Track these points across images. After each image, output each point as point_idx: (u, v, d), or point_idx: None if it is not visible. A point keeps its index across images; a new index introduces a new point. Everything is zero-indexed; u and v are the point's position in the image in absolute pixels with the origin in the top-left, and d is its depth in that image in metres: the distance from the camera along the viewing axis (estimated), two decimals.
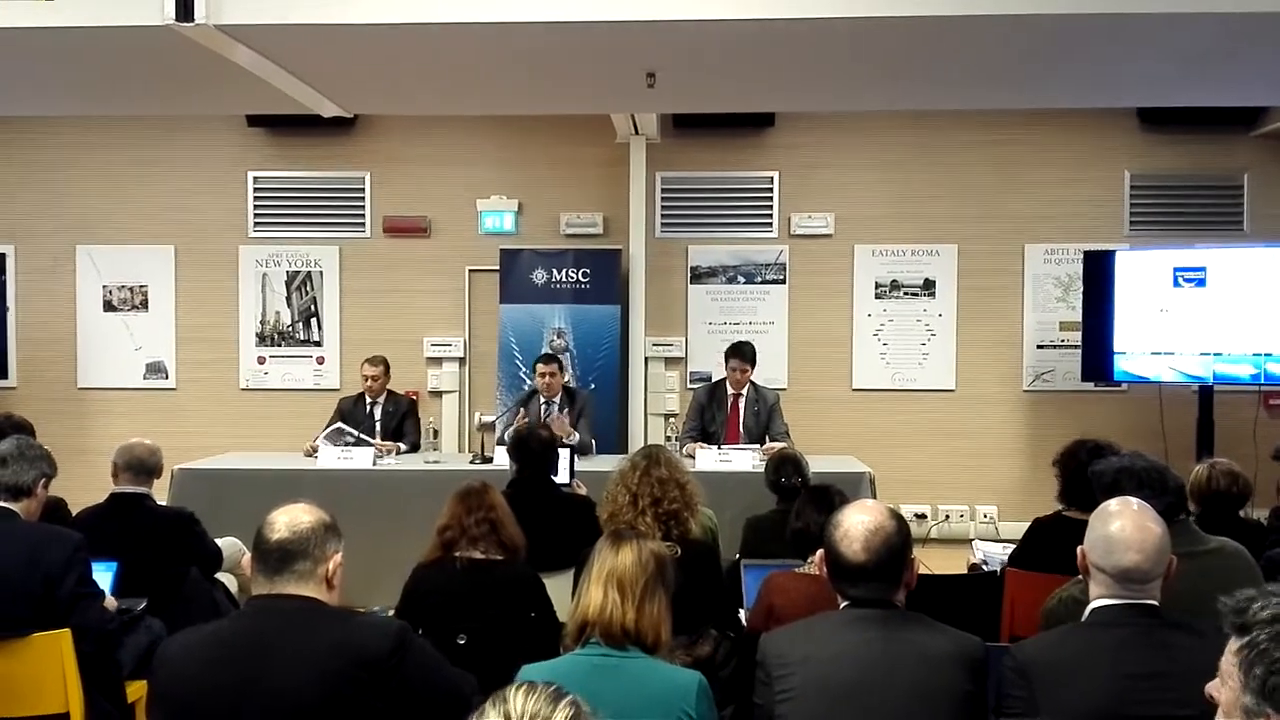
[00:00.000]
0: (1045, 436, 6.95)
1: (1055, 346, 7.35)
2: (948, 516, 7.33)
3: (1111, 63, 4.95)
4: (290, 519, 2.17)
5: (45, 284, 7.63)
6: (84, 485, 4.55)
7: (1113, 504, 2.20)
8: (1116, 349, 6.72)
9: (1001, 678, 2.12)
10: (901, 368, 7.43)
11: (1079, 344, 7.03)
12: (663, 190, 7.46)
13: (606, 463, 5.04)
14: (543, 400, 6.15)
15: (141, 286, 7.64)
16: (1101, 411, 7.16)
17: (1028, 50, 4.69)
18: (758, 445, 5.91)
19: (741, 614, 3.52)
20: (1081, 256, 6.99)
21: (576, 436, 5.77)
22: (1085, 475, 3.59)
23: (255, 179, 7.60)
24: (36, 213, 7.64)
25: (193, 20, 4.05)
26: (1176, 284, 6.59)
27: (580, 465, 5.21)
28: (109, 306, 7.64)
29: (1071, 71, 5.11)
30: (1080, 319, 6.99)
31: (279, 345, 7.63)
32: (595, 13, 4.09)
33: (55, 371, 7.61)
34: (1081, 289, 6.98)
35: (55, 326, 7.62)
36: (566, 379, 6.54)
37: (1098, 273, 6.79)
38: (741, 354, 6.18)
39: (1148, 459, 2.99)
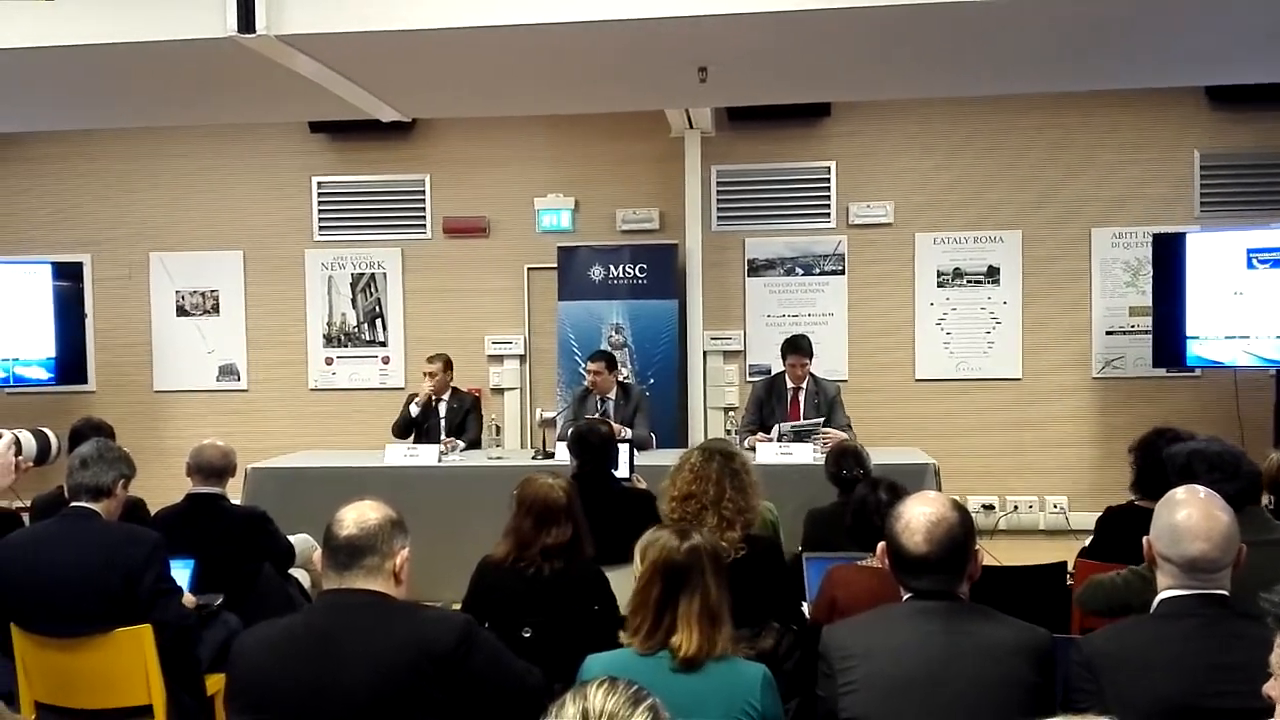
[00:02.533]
0: (1116, 424, 6.81)
1: (1125, 332, 7.18)
2: (1016, 507, 7.21)
3: (1176, 40, 4.82)
4: (358, 516, 2.23)
5: (121, 291, 7.88)
6: (162, 485, 4.70)
7: (1179, 492, 2.15)
8: (1189, 333, 6.54)
9: (1068, 671, 2.09)
10: (966, 357, 7.33)
11: (1150, 329, 6.85)
12: (718, 183, 7.45)
13: (666, 457, 5.05)
14: (598, 398, 6.19)
15: (212, 291, 7.85)
16: (1175, 398, 6.99)
17: (1089, 30, 4.58)
18: (819, 420, 5.84)
19: (804, 607, 3.51)
20: (1151, 240, 6.82)
21: (628, 433, 5.79)
22: (1162, 465, 3.52)
23: (319, 184, 7.77)
24: (110, 222, 7.89)
25: (254, 31, 4.15)
26: (1251, 265, 6.40)
27: (640, 460, 5.23)
28: (182, 311, 7.87)
29: (1135, 51, 5.00)
30: (1151, 304, 6.82)
31: (346, 346, 7.79)
32: (646, 9, 4.10)
33: (133, 375, 7.86)
34: (1151, 273, 6.81)
35: (131, 332, 7.87)
36: (623, 375, 6.56)
37: (1168, 256, 6.62)
38: (798, 348, 6.13)
39: (1224, 444, 2.94)
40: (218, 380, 7.84)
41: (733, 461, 3.59)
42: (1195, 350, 6.57)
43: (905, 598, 2.23)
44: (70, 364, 7.37)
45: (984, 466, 7.16)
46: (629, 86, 5.71)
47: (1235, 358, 6.49)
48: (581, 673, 2.33)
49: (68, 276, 7.41)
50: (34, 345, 7.22)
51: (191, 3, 4.21)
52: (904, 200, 7.35)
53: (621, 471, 4.84)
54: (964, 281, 7.32)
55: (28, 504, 4.42)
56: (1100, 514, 3.91)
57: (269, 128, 7.65)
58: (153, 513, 4.14)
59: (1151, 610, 2.12)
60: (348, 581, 2.19)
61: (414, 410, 6.33)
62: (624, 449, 4.96)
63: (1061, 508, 7.14)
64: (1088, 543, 3.95)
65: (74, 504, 3.26)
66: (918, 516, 2.20)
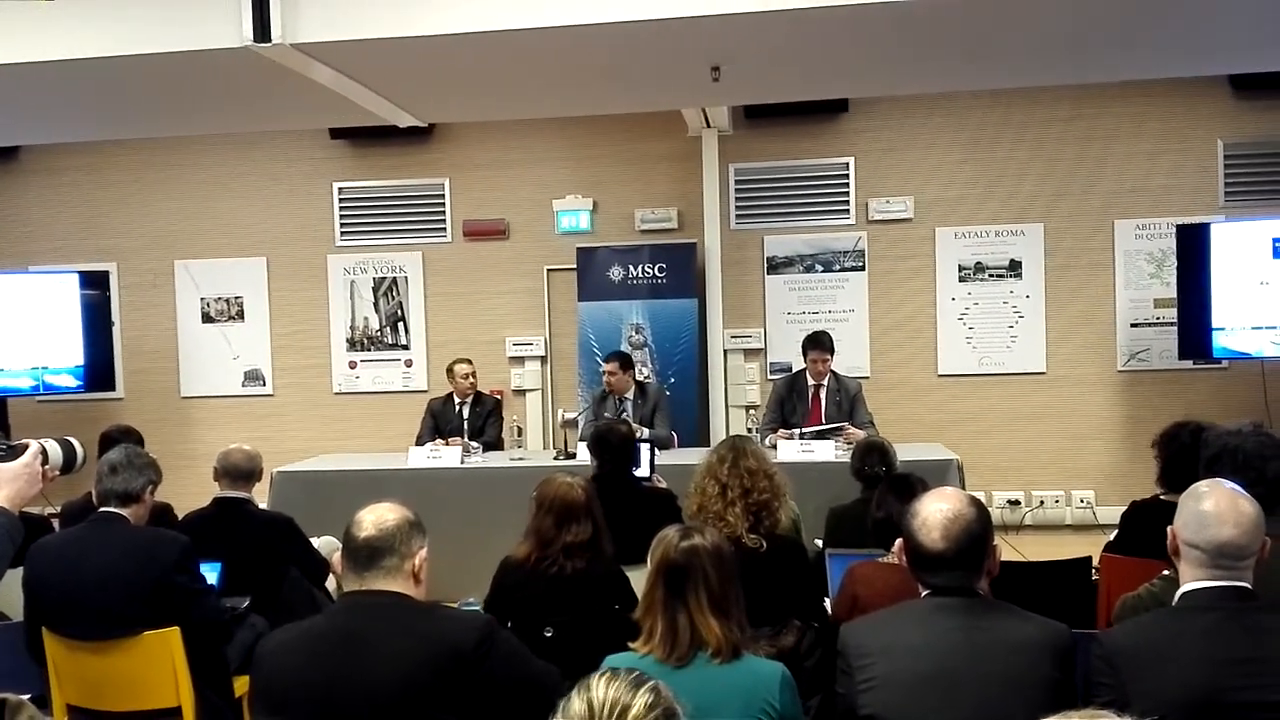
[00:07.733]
0: (1142, 418, 6.75)
1: (1150, 324, 7.11)
2: (1042, 502, 7.16)
3: (1202, 28, 4.76)
4: (376, 518, 2.26)
5: (147, 299, 7.97)
6: (191, 490, 4.73)
7: (1203, 485, 2.14)
8: (1215, 325, 6.47)
9: (1089, 667, 2.07)
10: (989, 351, 7.28)
11: (1175, 321, 6.79)
12: (736, 181, 7.44)
13: (687, 456, 5.06)
14: (615, 398, 6.19)
15: (237, 298, 7.93)
16: (1201, 390, 6.92)
17: (1112, 20, 4.53)
18: (841, 425, 5.82)
19: (827, 603, 3.50)
20: (1174, 231, 6.75)
21: (646, 433, 5.79)
22: (1186, 458, 3.47)
23: (340, 190, 7.83)
24: (135, 231, 7.99)
25: (270, 41, 4.19)
26: (1277, 254, 6.33)
27: (661, 459, 5.23)
28: (207, 318, 7.96)
29: (1158, 40, 4.94)
30: (1175, 295, 6.75)
31: (368, 350, 7.84)
32: (656, 10, 4.10)
33: (160, 382, 7.95)
34: (1176, 264, 6.74)
35: (158, 339, 7.96)
36: (643, 375, 6.56)
37: (1192, 247, 6.55)
38: (819, 344, 6.11)
39: (1261, 436, 2.78)
40: (243, 385, 7.91)
41: (756, 453, 3.60)
42: (1221, 341, 6.50)
43: (923, 594, 2.22)
44: (99, 372, 7.46)
45: (1009, 461, 7.12)
46: (642, 87, 5.71)
47: (1262, 348, 6.42)
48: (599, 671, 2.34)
49: (94, 285, 7.50)
50: (63, 354, 7.31)
51: (208, 14, 4.25)
52: (924, 195, 7.31)
53: (642, 471, 4.84)
54: (985, 276, 7.28)
55: (57, 510, 4.48)
56: (1125, 507, 3.89)
57: (290, 135, 7.72)
58: (179, 517, 4.19)
59: (1174, 603, 2.10)
60: (368, 583, 2.22)
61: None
62: (644, 449, 4.96)
63: (1088, 502, 7.09)
64: (1112, 537, 3.92)
65: (103, 509, 3.31)
66: (934, 513, 2.19)
